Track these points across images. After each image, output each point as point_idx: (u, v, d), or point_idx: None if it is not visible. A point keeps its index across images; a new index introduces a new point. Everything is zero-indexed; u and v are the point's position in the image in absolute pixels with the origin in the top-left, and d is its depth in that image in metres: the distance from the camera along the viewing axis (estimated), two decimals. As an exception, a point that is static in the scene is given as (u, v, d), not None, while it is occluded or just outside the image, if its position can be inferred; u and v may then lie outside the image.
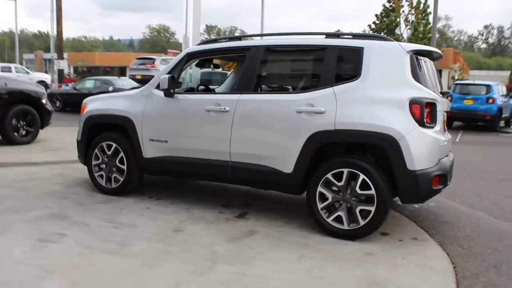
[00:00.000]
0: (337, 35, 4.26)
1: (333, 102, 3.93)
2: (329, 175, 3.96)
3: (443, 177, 3.93)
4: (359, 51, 3.98)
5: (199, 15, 15.31)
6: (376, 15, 34.72)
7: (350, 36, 4.23)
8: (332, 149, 4.09)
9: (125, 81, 17.22)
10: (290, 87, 4.37)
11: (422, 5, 32.24)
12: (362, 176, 3.82)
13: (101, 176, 5.17)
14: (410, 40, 29.80)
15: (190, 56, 4.77)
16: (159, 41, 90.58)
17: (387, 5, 34.05)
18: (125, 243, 3.61)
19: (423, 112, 3.74)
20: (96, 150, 5.15)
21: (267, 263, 3.36)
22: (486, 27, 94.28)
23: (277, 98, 4.21)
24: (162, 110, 4.73)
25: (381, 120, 3.75)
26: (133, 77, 19.48)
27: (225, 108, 4.33)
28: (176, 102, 4.66)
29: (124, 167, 4.98)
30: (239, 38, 4.74)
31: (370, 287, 3.04)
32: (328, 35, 4.27)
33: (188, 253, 3.47)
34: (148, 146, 4.79)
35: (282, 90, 4.32)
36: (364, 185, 3.83)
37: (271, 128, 4.16)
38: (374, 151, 4.07)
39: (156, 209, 4.61)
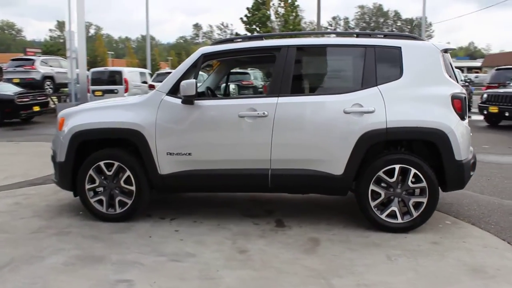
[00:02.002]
0: (368, 34, 4.30)
1: (381, 101, 3.98)
2: (381, 173, 4.02)
3: (475, 164, 4.30)
4: (397, 51, 4.09)
5: (83, 9, 13.91)
6: (248, 8, 35.65)
7: (381, 36, 4.31)
8: (373, 147, 4.15)
9: (3, 86, 14.80)
10: (330, 88, 4.27)
11: (290, 0, 34.14)
12: (413, 171, 3.97)
13: (100, 201, 4.42)
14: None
15: (206, 58, 4.33)
16: (4, 39, 79.40)
17: (259, -1, 35.23)
18: (211, 277, 3.18)
19: (463, 106, 4.03)
20: (91, 172, 4.38)
21: (369, 268, 3.30)
22: (334, 18, 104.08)
23: (321, 99, 4.09)
24: (181, 119, 4.22)
25: (431, 116, 3.93)
26: (8, 81, 16.80)
27: (263, 113, 4.06)
28: (198, 109, 4.20)
29: (133, 188, 4.34)
30: (260, 38, 4.44)
31: (478, 274, 3.21)
32: (359, 35, 4.29)
33: (290, 275, 3.21)
34: (165, 161, 4.24)
35: (323, 91, 4.20)
36: (415, 179, 3.99)
37: (317, 131, 4.04)
38: (414, 146, 4.25)
39: (187, 231, 4.13)
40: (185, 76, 4.31)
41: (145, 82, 19.43)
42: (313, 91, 4.26)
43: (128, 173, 4.32)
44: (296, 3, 33.69)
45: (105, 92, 18.04)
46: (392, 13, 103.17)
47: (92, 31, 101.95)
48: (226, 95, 5.92)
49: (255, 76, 23.57)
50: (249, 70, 21.99)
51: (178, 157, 4.22)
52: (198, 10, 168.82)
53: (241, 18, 35.61)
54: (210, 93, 5.22)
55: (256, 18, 34.42)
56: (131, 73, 18.92)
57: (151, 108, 4.27)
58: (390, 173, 4.02)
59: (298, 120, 4.07)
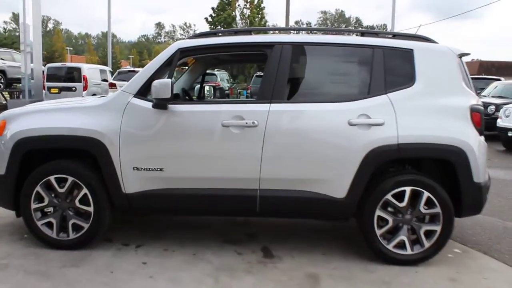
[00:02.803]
0: (374, 33, 3.70)
1: (391, 112, 3.40)
2: (389, 196, 3.43)
3: (489, 186, 3.79)
4: (408, 53, 3.52)
5: (39, 1, 12.84)
6: (213, 8, 34.93)
7: (390, 36, 3.73)
8: (381, 166, 3.55)
9: None
10: (332, 94, 3.63)
11: (256, 0, 33.68)
12: (427, 194, 3.41)
13: (49, 224, 3.61)
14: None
15: (183, 53, 3.60)
16: None
17: (223, -2, 34.56)
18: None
19: (482, 121, 3.51)
20: (38, 188, 3.56)
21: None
22: (296, 22, 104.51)
23: (322, 108, 3.44)
24: (152, 127, 3.48)
25: (448, 131, 3.39)
26: None
27: (252, 123, 3.38)
28: (173, 115, 3.47)
29: (90, 209, 3.55)
30: (248, 32, 3.73)
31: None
32: (365, 33, 3.69)
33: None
34: (131, 178, 3.49)
35: (323, 98, 3.56)
36: (428, 204, 3.43)
37: (317, 146, 3.40)
38: (423, 165, 3.69)
39: (158, 264, 3.39)
40: (157, 74, 3.57)
41: (105, 80, 18.34)
42: (312, 97, 3.60)
43: (84, 190, 3.53)
44: (262, 5, 33.29)
45: (62, 89, 16.91)
46: (354, 20, 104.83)
47: (50, 25, 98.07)
48: (200, 98, 5.20)
49: (222, 78, 22.81)
50: (215, 71, 21.21)
51: (147, 173, 3.48)
52: (160, 9, 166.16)
53: (206, 18, 34.87)
54: (186, 96, 4.49)
55: (222, 18, 33.76)
56: (90, 70, 17.79)
57: (115, 112, 3.50)
58: (400, 196, 3.44)
59: (294, 132, 3.42)
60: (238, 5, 34.02)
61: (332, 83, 3.72)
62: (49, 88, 16.79)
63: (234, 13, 34.07)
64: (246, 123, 3.38)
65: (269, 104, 3.43)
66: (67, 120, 3.55)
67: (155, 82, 3.34)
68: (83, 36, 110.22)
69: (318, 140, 3.40)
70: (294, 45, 3.55)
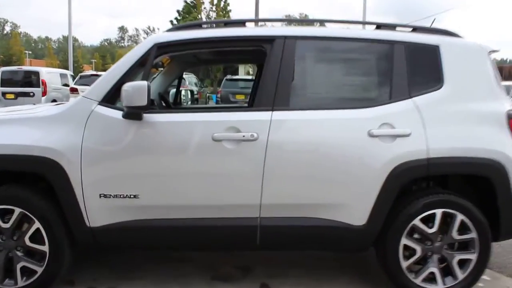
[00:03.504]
0: (392, 26, 3.09)
1: (419, 120, 2.81)
2: (416, 221, 2.84)
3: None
4: (434, 50, 2.95)
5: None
6: (178, 11, 34.05)
7: (409, 29, 3.13)
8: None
9: None
10: (348, 99, 2.98)
11: (222, 3, 33.03)
12: (460, 217, 2.84)
13: (-10, 269, 2.81)
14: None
15: (161, 49, 2.88)
16: None
17: (189, 1, 33.73)
18: None
19: None
20: (-27, 224, 2.76)
21: None
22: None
23: (336, 116, 2.81)
24: (123, 142, 2.75)
25: (484, 142, 2.83)
26: None
27: (251, 135, 2.71)
28: (150, 127, 2.76)
29: (45, 248, 2.78)
30: (242, 23, 3.04)
31: None
32: (380, 26, 3.09)
33: None
34: (98, 207, 2.75)
35: (337, 103, 2.90)
36: (462, 228, 2.87)
37: (330, 163, 2.76)
38: (450, 181, 3.13)
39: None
40: (128, 76, 2.84)
41: (66, 85, 17.17)
42: (322, 103, 2.94)
43: (37, 225, 2.76)
44: (229, 8, 32.73)
45: (19, 95, 15.66)
46: (317, 25, 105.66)
47: (7, 28, 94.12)
48: (176, 105, 4.49)
49: (190, 81, 21.92)
50: (184, 74, 20.36)
51: (117, 201, 2.75)
52: (123, 12, 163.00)
53: (171, 21, 33.89)
54: (163, 102, 3.76)
55: (187, 20, 32.92)
56: (50, 74, 16.59)
57: (75, 124, 2.75)
58: (429, 220, 2.86)
59: (302, 147, 2.77)
60: (204, 8, 33.25)
61: (347, 85, 3.08)
62: (3, 94, 15.53)
63: (200, 16, 33.27)
64: (243, 136, 2.71)
65: (270, 113, 2.77)
66: (12, 135, 2.77)
67: (127, 86, 2.62)
68: (43, 39, 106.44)
69: (332, 156, 2.76)
70: (300, 40, 2.90)
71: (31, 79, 15.97)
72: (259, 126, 2.74)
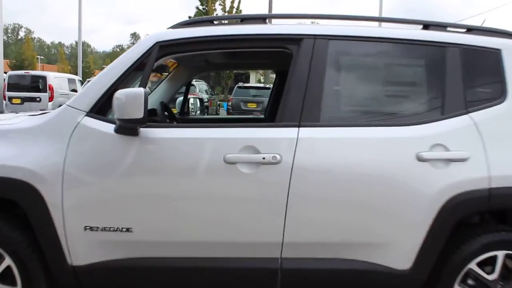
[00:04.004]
0: (442, 26, 2.55)
1: (478, 141, 2.27)
2: (472, 265, 2.29)
3: None
4: (495, 55, 2.40)
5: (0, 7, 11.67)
6: (190, 17, 33.75)
7: (462, 30, 2.59)
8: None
9: None
10: (390, 114, 2.43)
11: (235, 10, 32.68)
12: (527, 261, 2.28)
13: (-51, 315, 2.31)
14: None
15: (163, 50, 2.36)
16: None
17: (201, 8, 33.44)
18: None
19: None
20: None
21: None
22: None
23: (377, 135, 2.27)
24: (114, 163, 2.24)
25: None
26: None
27: (273, 157, 2.18)
28: (148, 145, 2.25)
29: (16, 291, 2.27)
30: (262, 20, 2.49)
31: None
32: (428, 26, 2.54)
33: None
34: (82, 242, 2.24)
35: (377, 119, 2.36)
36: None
37: (369, 192, 2.23)
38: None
39: None
40: (123, 81, 2.34)
41: (74, 90, 16.81)
42: (360, 118, 2.40)
43: (7, 262, 2.25)
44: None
45: (25, 99, 15.36)
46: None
47: (22, 33, 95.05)
48: (183, 115, 3.98)
49: (200, 89, 21.46)
50: (193, 81, 19.86)
51: (106, 235, 2.23)
52: (136, 19, 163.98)
53: (184, 27, 33.54)
54: (167, 113, 3.25)
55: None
56: (57, 79, 16.26)
57: (56, 139, 2.25)
58: (488, 264, 2.31)
59: (335, 172, 2.23)
60: (216, 14, 32.91)
61: (390, 97, 2.52)
62: (10, 99, 15.22)
63: (212, 23, 32.95)
64: (264, 158, 2.18)
65: (296, 129, 2.24)
66: None
67: (120, 94, 2.11)
68: (56, 45, 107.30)
69: (371, 184, 2.22)
70: (333, 40, 2.37)
71: (38, 84, 15.66)
72: (283, 145, 2.22)
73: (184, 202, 2.24)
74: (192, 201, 2.24)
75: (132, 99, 2.08)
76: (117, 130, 2.20)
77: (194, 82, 20.02)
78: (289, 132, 2.24)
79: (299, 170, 2.19)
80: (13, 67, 46.29)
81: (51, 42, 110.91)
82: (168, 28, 2.47)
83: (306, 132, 2.24)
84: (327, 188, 2.22)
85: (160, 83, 3.70)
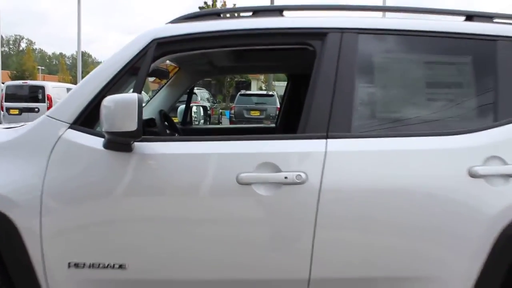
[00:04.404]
0: (488, 16, 2.15)
1: None
2: (538, 306, 1.88)
3: None
4: None
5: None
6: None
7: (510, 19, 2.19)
8: None
9: None
10: (433, 121, 2.01)
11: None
12: None
13: None
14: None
15: (162, 48, 1.97)
16: None
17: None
18: None
19: None
20: None
21: None
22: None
23: (420, 146, 1.85)
24: (104, 185, 1.84)
25: None
26: None
27: (297, 177, 1.78)
28: (144, 163, 1.86)
29: None
30: (279, 11, 2.09)
31: None
32: (472, 17, 2.15)
33: None
34: (65, 281, 1.85)
35: (418, 127, 1.94)
36: None
37: (413, 216, 1.83)
38: None
39: None
40: (113, 86, 1.96)
41: (73, 100, 16.48)
42: (400, 127, 1.99)
43: (-29, 307, 1.86)
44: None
45: (23, 110, 15.03)
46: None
47: (23, 45, 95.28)
48: (185, 125, 3.59)
49: (202, 97, 21.08)
50: (194, 90, 19.45)
51: (95, 273, 1.84)
52: (136, 29, 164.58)
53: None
54: (168, 123, 2.85)
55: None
56: (56, 89, 15.90)
57: (34, 157, 1.86)
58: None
59: (372, 192, 1.83)
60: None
61: (433, 100, 2.12)
62: (8, 109, 14.92)
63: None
64: (286, 177, 1.79)
65: (324, 142, 1.85)
66: None
67: (108, 100, 1.73)
68: (57, 56, 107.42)
69: (415, 206, 1.83)
70: (364, 34, 1.99)
71: (36, 94, 15.35)
72: (309, 161, 1.83)
73: (189, 232, 1.85)
74: (198, 231, 1.85)
75: (123, 108, 1.69)
76: (106, 146, 1.81)
77: (195, 90, 19.67)
78: (315, 145, 1.84)
79: (329, 191, 1.80)
80: (14, 78, 46.13)
81: (52, 53, 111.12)
82: (167, 23, 2.09)
83: (335, 145, 1.85)
84: (362, 213, 1.82)
85: (159, 90, 3.32)
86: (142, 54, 1.95)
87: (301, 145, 1.87)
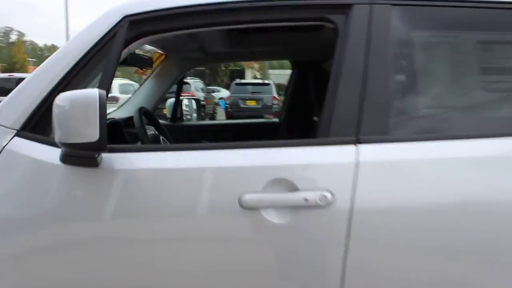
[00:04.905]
0: None
1: None
2: None
3: None
4: None
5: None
6: None
7: None
8: None
9: None
10: (501, 118, 1.55)
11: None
12: None
13: None
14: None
15: (136, 27, 1.50)
16: None
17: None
18: None
19: None
20: None
21: None
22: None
23: (489, 152, 1.38)
24: (63, 211, 1.38)
25: None
26: None
27: (322, 197, 1.32)
28: (114, 181, 1.39)
29: None
30: None
31: None
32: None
33: None
34: None
35: (483, 127, 1.48)
36: None
37: (481, 245, 1.37)
38: None
39: None
40: (72, 80, 1.48)
41: (62, 93, 15.91)
42: (455, 126, 1.50)
43: None
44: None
45: (10, 104, 14.47)
46: None
47: (13, 37, 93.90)
48: (175, 121, 3.12)
49: (196, 87, 20.43)
50: (188, 79, 18.84)
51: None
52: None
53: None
54: (151, 122, 2.35)
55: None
56: (44, 82, 15.35)
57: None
58: None
59: (425, 214, 1.35)
60: None
61: (497, 91, 1.64)
62: (-6, 104, 14.36)
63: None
64: (306, 199, 1.33)
65: (354, 148, 1.39)
66: None
67: (62, 98, 1.26)
68: (49, 47, 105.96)
69: (483, 233, 1.37)
70: (400, 6, 1.51)
71: (24, 87, 14.80)
72: (335, 176, 1.36)
73: (176, 271, 1.39)
74: (188, 271, 1.39)
75: (80, 108, 1.22)
76: (63, 159, 1.35)
77: (189, 79, 19.03)
78: (343, 154, 1.38)
79: (364, 215, 1.34)
80: (4, 71, 45.29)
81: (44, 45, 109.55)
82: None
83: (369, 152, 1.38)
84: (413, 242, 1.36)
85: (143, 82, 2.85)
86: (110, 36, 1.48)
87: (324, 153, 1.40)
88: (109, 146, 1.33)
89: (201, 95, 20.23)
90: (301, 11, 1.54)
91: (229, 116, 15.07)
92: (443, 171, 1.38)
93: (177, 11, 1.51)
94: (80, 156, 1.32)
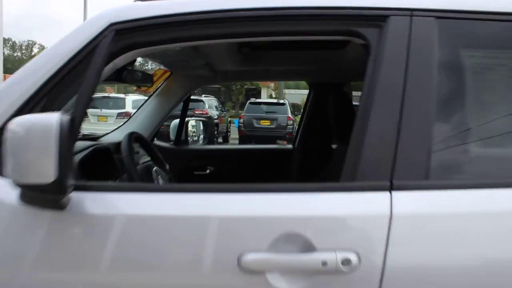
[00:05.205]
0: None
1: None
2: None
3: None
4: None
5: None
6: None
7: None
8: None
9: None
10: None
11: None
12: None
13: None
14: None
15: (123, 37, 1.23)
16: None
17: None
18: None
19: None
20: None
21: None
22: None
23: None
24: (20, 262, 1.10)
25: None
26: None
27: (344, 262, 1.02)
28: (83, 230, 1.11)
29: None
30: None
31: None
32: None
33: None
34: None
35: None
36: None
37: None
38: None
39: None
40: (42, 97, 1.21)
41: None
42: None
43: None
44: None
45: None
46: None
47: (35, 50, 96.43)
48: (179, 145, 2.84)
49: (210, 105, 20.21)
50: (202, 96, 18.68)
51: None
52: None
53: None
54: (146, 151, 2.05)
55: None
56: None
57: None
58: None
59: (473, 277, 1.06)
60: None
61: None
62: None
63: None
64: (325, 263, 1.02)
65: (388, 195, 1.08)
66: None
67: (17, 122, 0.99)
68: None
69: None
70: (445, 19, 1.22)
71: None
72: (363, 232, 1.06)
73: None
74: None
75: (38, 138, 0.95)
76: (23, 199, 1.07)
77: (203, 97, 18.84)
78: (372, 203, 1.08)
79: (397, 279, 1.03)
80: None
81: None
82: (136, 1, 1.34)
83: (406, 201, 1.08)
84: None
85: (145, 103, 2.59)
86: (92, 47, 1.22)
87: (348, 202, 1.10)
88: (79, 183, 1.06)
89: (215, 113, 20.06)
90: (323, 23, 1.26)
91: (242, 135, 14.82)
92: (498, 227, 1.07)
93: (173, 19, 1.24)
94: (42, 197, 1.04)
